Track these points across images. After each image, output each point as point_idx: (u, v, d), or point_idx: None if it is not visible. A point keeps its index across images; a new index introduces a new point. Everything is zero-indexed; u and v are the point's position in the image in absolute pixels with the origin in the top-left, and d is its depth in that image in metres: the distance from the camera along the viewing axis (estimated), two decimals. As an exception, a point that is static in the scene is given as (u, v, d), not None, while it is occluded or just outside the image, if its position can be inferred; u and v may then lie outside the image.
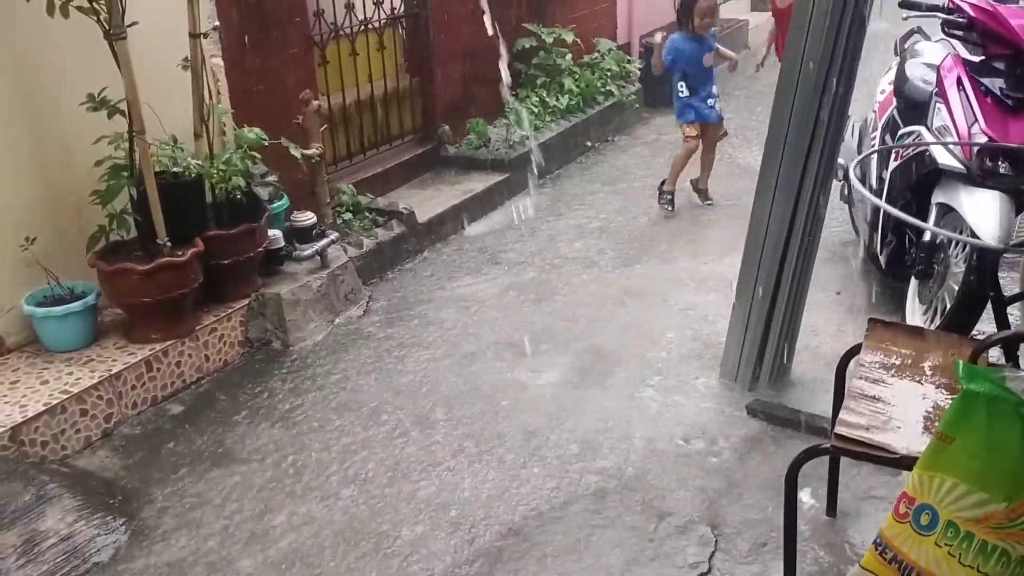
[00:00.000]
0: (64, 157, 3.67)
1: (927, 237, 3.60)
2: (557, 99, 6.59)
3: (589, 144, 6.78)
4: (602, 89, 7.01)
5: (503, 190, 5.76)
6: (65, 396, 3.31)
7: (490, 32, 5.59)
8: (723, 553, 2.69)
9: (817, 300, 4.04)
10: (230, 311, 3.95)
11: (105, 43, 3.40)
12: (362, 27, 5.31)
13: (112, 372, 3.46)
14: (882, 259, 4.03)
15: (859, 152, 4.54)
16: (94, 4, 3.32)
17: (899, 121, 4.04)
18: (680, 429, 3.31)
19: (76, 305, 3.55)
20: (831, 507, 2.81)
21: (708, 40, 5.50)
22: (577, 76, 6.83)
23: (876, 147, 4.15)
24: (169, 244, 3.62)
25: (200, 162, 3.84)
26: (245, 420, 3.52)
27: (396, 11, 5.60)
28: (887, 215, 3.95)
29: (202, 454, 3.32)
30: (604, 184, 6.11)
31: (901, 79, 4.18)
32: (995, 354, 2.73)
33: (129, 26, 3.42)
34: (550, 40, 6.65)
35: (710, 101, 5.50)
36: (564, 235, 5.25)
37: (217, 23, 4.11)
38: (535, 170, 6.01)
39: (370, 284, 4.66)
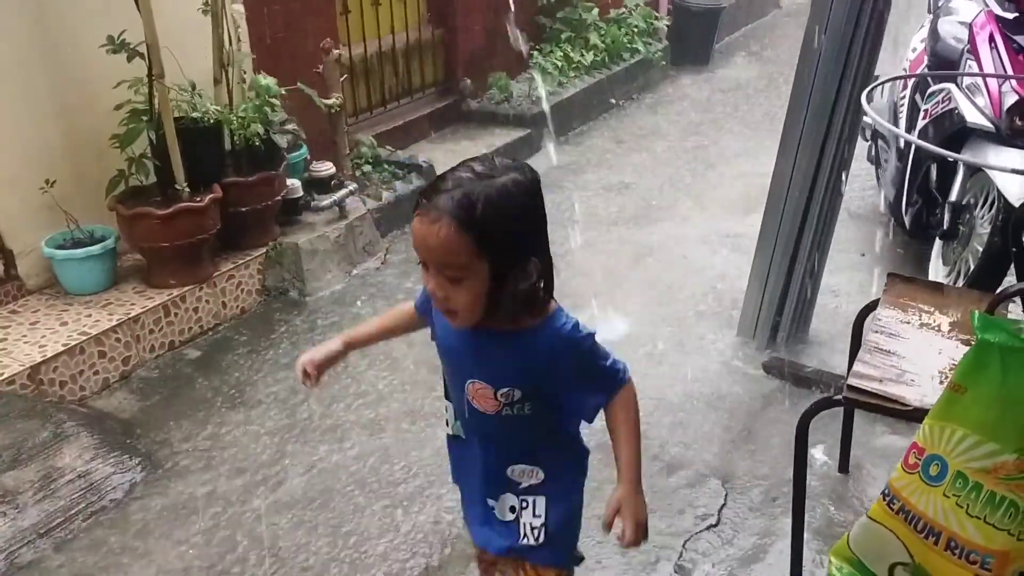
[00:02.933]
0: (84, 101, 3.67)
1: (953, 197, 3.54)
2: (582, 55, 6.51)
3: (614, 101, 6.70)
4: (628, 45, 6.91)
5: (524, 146, 5.71)
6: (84, 338, 3.34)
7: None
8: (733, 505, 2.69)
9: (840, 261, 4.00)
10: (248, 259, 3.96)
11: (125, -15, 3.39)
12: (385, -23, 5.25)
13: (130, 316, 3.49)
14: (907, 220, 3.97)
15: (889, 112, 4.45)
16: (114, -55, 3.30)
17: (929, 79, 3.96)
18: (696, 385, 3.30)
19: (95, 248, 3.57)
20: (843, 464, 2.80)
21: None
22: (603, 32, 6.73)
23: (890, 79, 4.01)
24: (187, 189, 3.62)
25: (219, 108, 3.83)
26: (261, 366, 3.54)
27: (420, -39, 5.54)
28: (912, 175, 3.88)
29: (217, 398, 3.35)
30: (627, 142, 6.05)
31: (933, 37, 4.09)
32: (1016, 312, 2.69)
33: (149, -32, 3.40)
34: (576, -6, 6.56)
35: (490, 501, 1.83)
36: (585, 192, 5.20)
37: (238, -32, 4.08)
38: (557, 127, 5.95)
39: (388, 236, 4.65)
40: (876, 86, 3.83)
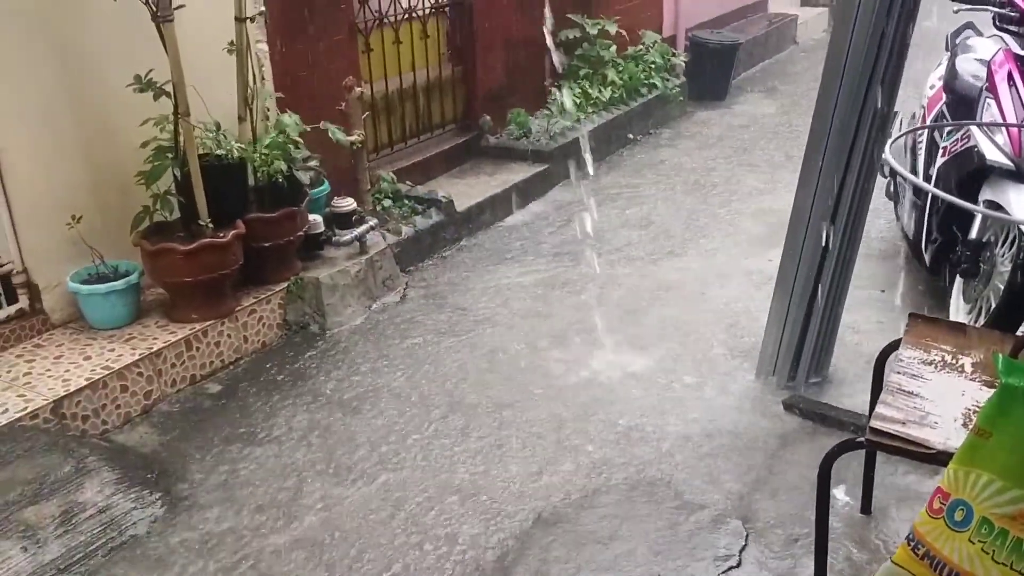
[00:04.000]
0: (110, 138, 3.74)
1: (973, 235, 3.53)
2: (600, 91, 6.57)
3: (631, 136, 6.75)
4: (646, 81, 6.97)
5: (543, 181, 5.75)
6: (106, 372, 3.37)
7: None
8: (754, 547, 2.67)
9: (860, 298, 3.99)
10: (269, 294, 3.99)
11: (151, 26, 3.45)
12: (406, 15, 5.33)
13: (153, 350, 3.52)
14: (927, 257, 3.96)
15: (907, 151, 4.46)
16: (143, -14, 3.37)
17: (948, 117, 3.97)
18: (715, 423, 3.29)
19: (119, 283, 3.61)
20: (866, 505, 2.77)
21: None
22: (621, 68, 6.79)
23: (908, 131, 4.06)
24: (211, 225, 3.67)
25: (243, 145, 3.88)
26: (281, 401, 3.56)
27: (440, 0, 5.61)
28: (932, 212, 3.88)
29: (238, 433, 3.36)
30: (645, 177, 6.08)
31: (951, 74, 4.10)
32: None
33: (176, 8, 3.46)
34: (594, 31, 6.62)
35: None
36: (603, 227, 5.22)
37: (263, 8, 4.15)
38: (576, 162, 5.99)
39: (408, 271, 4.68)
40: (899, 137, 3.85)
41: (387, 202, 4.94)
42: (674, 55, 7.45)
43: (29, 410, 3.14)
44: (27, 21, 3.43)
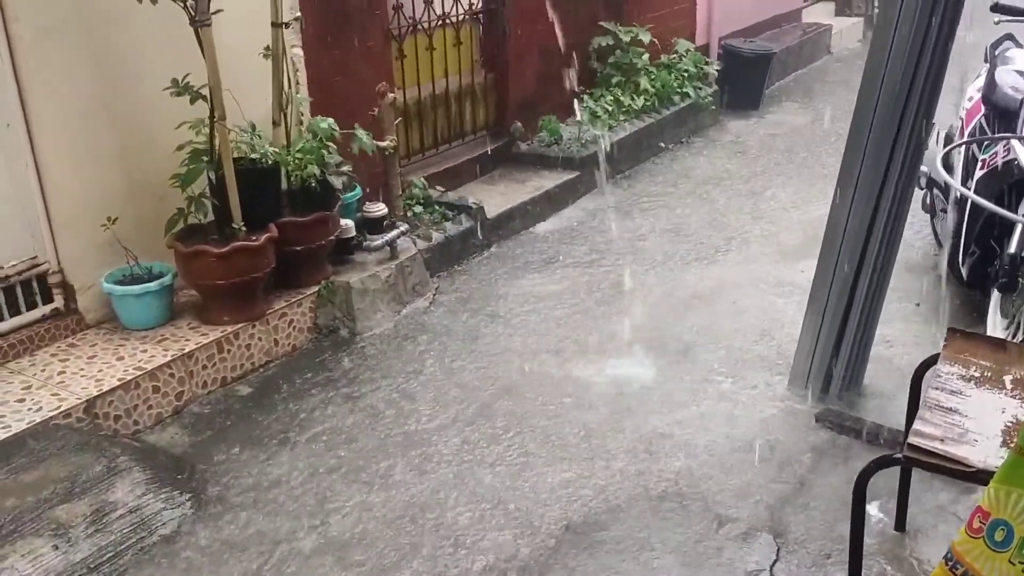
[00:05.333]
0: (146, 141, 3.78)
1: (1012, 249, 3.47)
2: (632, 99, 6.54)
3: (663, 145, 6.71)
4: (678, 90, 6.94)
5: (574, 188, 5.74)
6: (139, 373, 3.40)
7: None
8: (785, 562, 2.64)
9: (895, 311, 3.94)
10: (300, 297, 4.01)
11: (187, 31, 3.49)
12: (440, 22, 5.34)
13: (184, 351, 3.55)
14: (964, 271, 3.90)
15: (944, 162, 4.40)
16: (181, -9, 3.41)
17: (987, 129, 3.91)
18: (746, 434, 3.25)
19: (153, 285, 3.64)
20: (900, 521, 2.73)
21: None
22: (653, 76, 6.76)
23: (963, 142, 4.00)
24: (244, 228, 3.69)
25: (277, 149, 3.91)
26: (310, 404, 3.57)
27: (474, 6, 5.62)
28: (970, 225, 3.82)
29: (267, 435, 3.38)
30: (676, 186, 6.04)
31: (990, 86, 4.05)
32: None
33: (214, 13, 3.49)
34: (627, 39, 6.60)
35: None
36: (633, 235, 5.20)
37: (299, 13, 4.17)
38: (607, 169, 5.97)
39: (437, 277, 4.68)
40: (951, 149, 3.80)
41: (418, 208, 4.95)
42: (707, 64, 7.40)
43: (62, 409, 3.17)
44: (71, 29, 3.48)
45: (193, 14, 3.45)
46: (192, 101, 3.58)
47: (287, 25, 3.95)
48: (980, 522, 1.70)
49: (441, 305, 4.42)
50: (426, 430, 3.37)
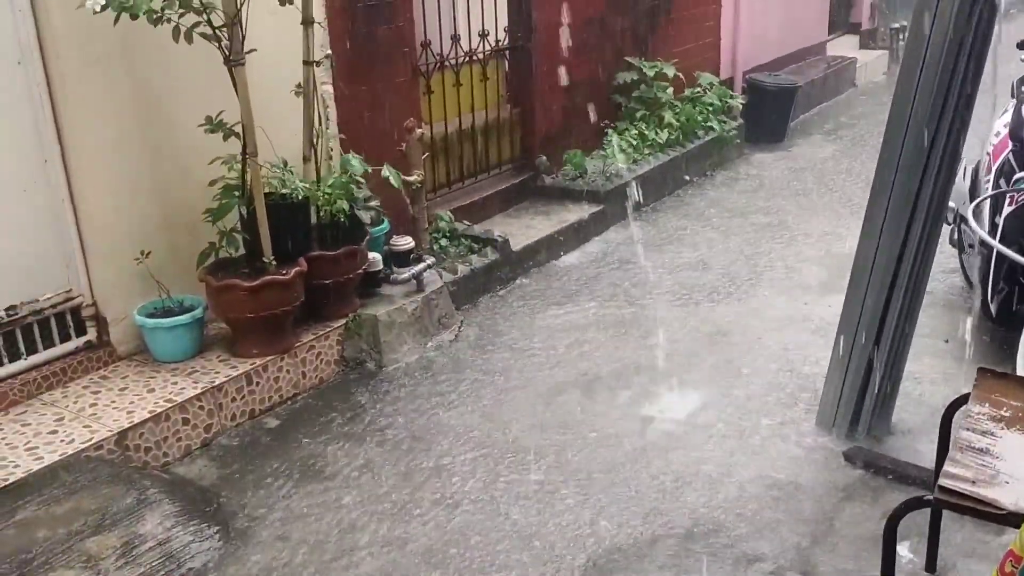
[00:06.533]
0: (180, 176, 3.84)
1: (1042, 286, 3.45)
2: (656, 133, 6.58)
3: (688, 178, 6.74)
4: (703, 124, 6.97)
5: (598, 222, 5.77)
6: (169, 405, 3.44)
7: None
8: (814, 603, 2.61)
9: (923, 347, 3.91)
10: (328, 330, 4.05)
11: (221, 69, 3.56)
12: (467, 58, 5.42)
13: (214, 384, 3.59)
14: (993, 307, 3.87)
15: (971, 196, 4.39)
16: (217, 31, 3.48)
17: (1015, 165, 3.90)
18: (773, 473, 3.24)
19: (184, 318, 3.69)
20: (931, 563, 2.70)
21: None
22: (678, 110, 6.80)
23: (991, 192, 4.00)
24: (274, 263, 3.74)
25: (307, 185, 3.96)
26: (337, 437, 3.59)
27: (500, 43, 5.70)
28: (999, 262, 3.80)
29: (295, 468, 3.40)
30: (701, 219, 6.06)
31: (1017, 122, 4.04)
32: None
33: (248, 53, 3.57)
34: (651, 73, 6.65)
35: None
36: (658, 269, 5.21)
37: (330, 52, 4.25)
38: (631, 203, 5.99)
39: (463, 310, 4.71)
40: (982, 200, 3.80)
41: (444, 241, 5.00)
42: (732, 97, 7.44)
43: (94, 441, 3.22)
44: (109, 66, 3.56)
45: (227, 54, 3.53)
46: (225, 138, 3.65)
47: (318, 63, 4.02)
48: (1012, 566, 1.69)
49: (467, 338, 4.45)
50: (452, 464, 3.38)
